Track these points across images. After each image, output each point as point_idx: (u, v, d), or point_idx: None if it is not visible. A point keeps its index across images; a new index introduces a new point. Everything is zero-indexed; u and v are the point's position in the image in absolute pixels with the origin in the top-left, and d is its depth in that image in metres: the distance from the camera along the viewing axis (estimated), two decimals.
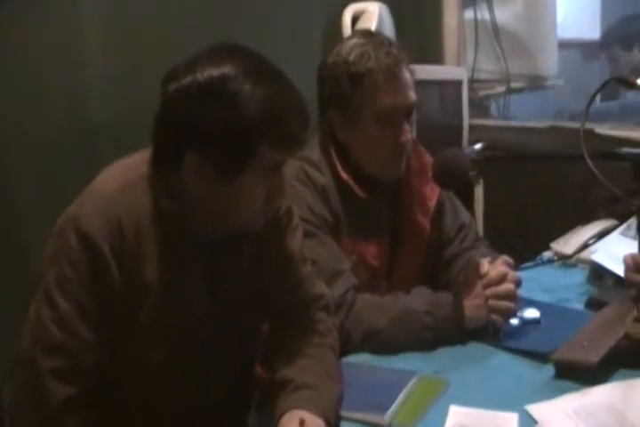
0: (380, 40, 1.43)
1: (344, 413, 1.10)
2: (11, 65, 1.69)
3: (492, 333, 1.33)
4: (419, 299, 1.34)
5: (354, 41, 1.43)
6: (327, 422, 1.04)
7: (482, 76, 2.83)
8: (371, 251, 1.47)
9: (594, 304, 1.45)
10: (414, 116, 1.48)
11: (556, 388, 1.14)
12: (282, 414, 1.04)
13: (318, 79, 1.46)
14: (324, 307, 1.26)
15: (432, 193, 1.54)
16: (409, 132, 1.43)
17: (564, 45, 3.15)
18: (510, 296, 1.33)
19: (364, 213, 1.46)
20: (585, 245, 1.79)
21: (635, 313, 1.21)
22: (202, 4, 2.01)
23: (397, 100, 1.40)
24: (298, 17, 2.29)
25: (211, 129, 1.01)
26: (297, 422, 1.01)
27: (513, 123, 2.77)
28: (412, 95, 1.43)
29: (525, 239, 2.37)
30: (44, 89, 1.74)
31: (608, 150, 1.34)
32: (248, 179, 1.05)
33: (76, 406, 1.05)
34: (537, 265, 1.78)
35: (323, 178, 1.43)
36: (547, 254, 1.84)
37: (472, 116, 2.67)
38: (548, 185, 2.31)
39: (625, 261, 1.30)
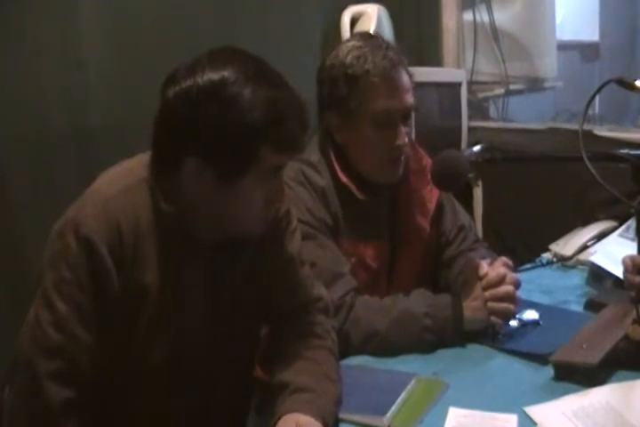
0: (378, 43, 1.43)
1: (343, 415, 1.10)
2: (10, 65, 1.69)
3: (491, 334, 1.33)
4: (418, 301, 1.34)
5: (352, 43, 1.44)
6: (325, 424, 1.03)
7: (481, 77, 2.83)
8: (370, 253, 1.47)
9: (593, 306, 1.45)
10: (412, 120, 1.48)
11: (556, 389, 1.14)
12: (279, 418, 1.04)
13: (317, 81, 1.47)
14: (322, 309, 1.26)
15: (431, 195, 1.54)
16: (405, 136, 1.43)
17: (563, 47, 3.16)
18: (509, 298, 1.33)
19: (363, 215, 1.46)
20: (584, 247, 1.79)
21: (634, 315, 1.21)
22: (201, 5, 2.02)
23: (393, 103, 1.40)
24: (297, 19, 2.30)
25: (211, 133, 1.01)
26: (293, 425, 1.01)
27: (512, 124, 2.78)
28: (410, 98, 1.43)
29: (524, 241, 2.37)
30: (43, 89, 1.74)
31: (607, 152, 1.35)
32: (248, 182, 1.05)
33: (74, 409, 1.05)
34: (536, 267, 1.78)
35: (322, 180, 1.43)
36: (546, 256, 1.84)
37: (471, 117, 2.67)
38: (546, 186, 2.31)
39: (624, 262, 1.30)
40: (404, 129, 1.43)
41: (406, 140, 1.44)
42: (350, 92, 1.40)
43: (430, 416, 1.09)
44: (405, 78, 1.43)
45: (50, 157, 1.78)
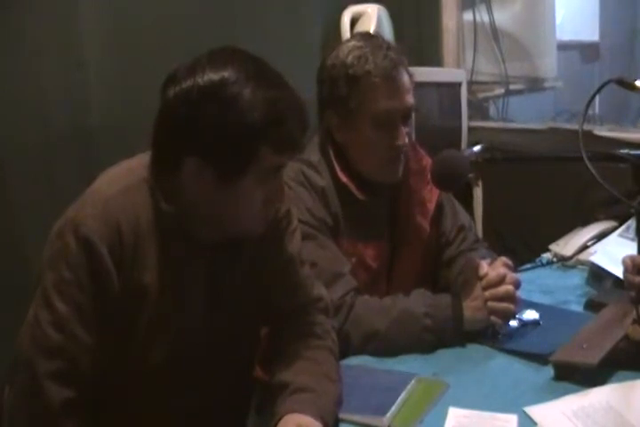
0: (379, 43, 1.43)
1: (343, 415, 1.10)
2: (10, 65, 1.69)
3: (491, 334, 1.33)
4: (418, 301, 1.34)
5: (352, 43, 1.44)
6: (325, 424, 1.04)
7: (481, 77, 2.83)
8: (370, 253, 1.47)
9: (593, 306, 1.45)
10: (412, 120, 1.48)
11: (556, 389, 1.14)
12: (279, 418, 1.04)
13: (317, 81, 1.47)
14: (322, 309, 1.26)
15: (431, 195, 1.54)
16: (406, 137, 1.43)
17: (563, 47, 3.16)
18: (509, 298, 1.33)
19: (363, 215, 1.46)
20: (584, 247, 1.79)
21: (634, 315, 1.21)
22: (201, 5, 2.02)
23: (394, 103, 1.40)
24: (297, 19, 2.30)
25: (211, 133, 1.01)
26: (294, 426, 1.01)
27: (512, 124, 2.78)
28: (410, 99, 1.43)
29: (524, 241, 2.37)
30: (43, 89, 1.74)
31: (607, 152, 1.35)
32: (248, 182, 1.05)
33: (74, 409, 1.05)
34: (536, 267, 1.77)
35: (322, 180, 1.43)
36: (546, 256, 1.84)
37: (471, 117, 2.67)
38: (546, 187, 2.31)
39: (624, 262, 1.30)
40: (404, 129, 1.43)
41: (406, 140, 1.44)
42: (350, 92, 1.40)
43: (430, 416, 1.09)
44: (406, 78, 1.43)
45: (50, 157, 1.78)
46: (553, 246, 1.85)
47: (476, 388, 1.17)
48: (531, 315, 1.39)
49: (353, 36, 1.59)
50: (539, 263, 1.80)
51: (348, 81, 1.40)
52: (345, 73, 1.40)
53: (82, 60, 1.80)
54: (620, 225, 1.75)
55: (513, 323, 1.36)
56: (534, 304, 1.44)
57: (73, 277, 1.04)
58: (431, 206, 1.54)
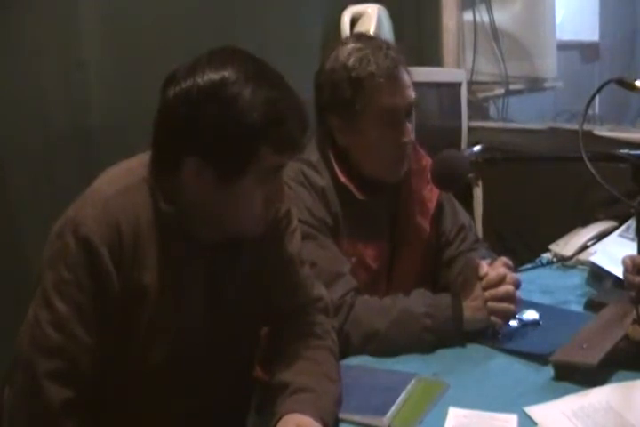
0: (378, 43, 1.43)
1: (343, 415, 1.10)
2: (10, 65, 1.69)
3: (491, 334, 1.33)
4: (418, 301, 1.34)
5: (351, 46, 1.43)
6: (325, 425, 1.03)
7: (481, 78, 2.84)
8: (370, 253, 1.47)
9: (593, 306, 1.45)
10: (413, 116, 1.49)
11: (556, 389, 1.14)
12: (279, 418, 1.04)
13: (316, 86, 1.46)
14: (322, 309, 1.26)
15: (431, 195, 1.54)
16: (410, 133, 1.44)
17: (563, 47, 3.16)
18: (509, 298, 1.33)
19: (363, 215, 1.46)
20: (584, 247, 1.79)
21: (634, 315, 1.21)
22: (201, 5, 2.02)
23: (398, 100, 1.41)
24: (297, 19, 2.30)
25: (211, 133, 1.01)
26: (293, 426, 1.01)
27: (512, 125, 2.78)
28: (411, 93, 1.44)
29: (524, 241, 2.37)
30: (43, 89, 1.74)
31: (607, 152, 1.35)
32: (248, 182, 1.05)
33: (73, 409, 1.05)
34: (536, 267, 1.77)
35: (322, 180, 1.44)
36: (546, 256, 1.84)
37: (471, 118, 2.67)
38: (546, 187, 2.31)
39: (624, 262, 1.30)
40: (408, 125, 1.44)
41: (412, 136, 1.44)
42: (355, 94, 1.39)
43: (430, 416, 1.09)
44: (406, 76, 1.43)
45: (50, 157, 1.78)
46: (553, 246, 1.85)
47: (476, 388, 1.17)
48: (531, 315, 1.39)
49: (348, 37, 1.58)
50: (539, 263, 1.80)
51: (351, 84, 1.40)
52: (347, 76, 1.40)
53: (82, 60, 1.80)
54: (620, 225, 1.75)
55: (513, 323, 1.36)
56: (534, 304, 1.44)
57: (73, 278, 1.04)
58: (431, 206, 1.54)
